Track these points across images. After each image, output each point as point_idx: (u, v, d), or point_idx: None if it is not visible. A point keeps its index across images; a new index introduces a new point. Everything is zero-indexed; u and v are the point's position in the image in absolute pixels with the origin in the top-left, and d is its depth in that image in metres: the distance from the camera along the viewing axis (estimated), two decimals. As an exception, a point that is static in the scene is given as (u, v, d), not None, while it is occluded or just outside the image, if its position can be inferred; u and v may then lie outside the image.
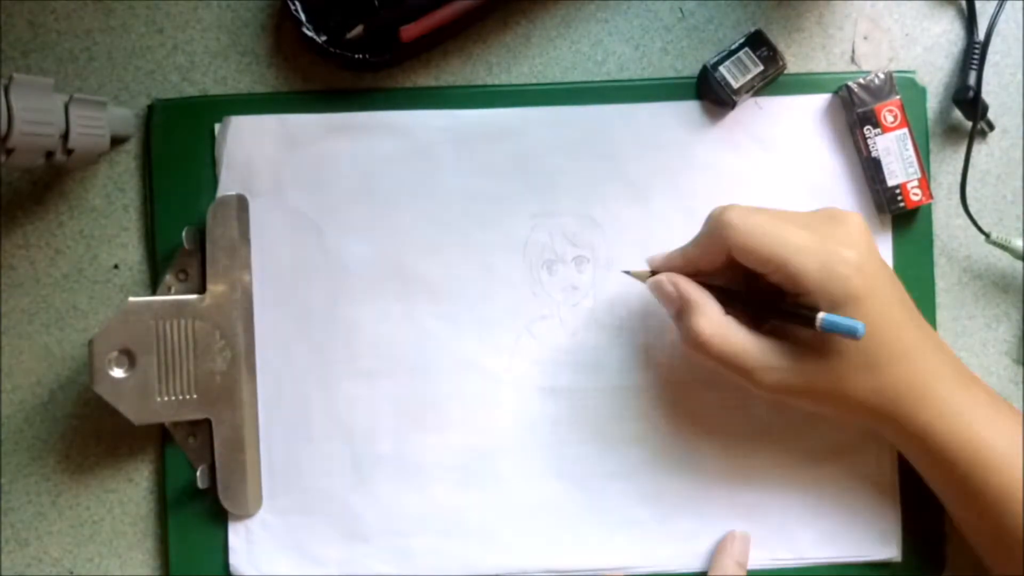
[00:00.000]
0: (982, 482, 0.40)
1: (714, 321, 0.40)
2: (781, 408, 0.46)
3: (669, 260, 0.43)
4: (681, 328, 0.41)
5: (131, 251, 0.47)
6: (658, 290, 0.42)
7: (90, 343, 0.43)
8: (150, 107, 0.46)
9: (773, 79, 0.46)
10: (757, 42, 0.45)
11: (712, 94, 0.46)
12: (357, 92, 0.47)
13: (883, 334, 0.39)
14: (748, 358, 0.40)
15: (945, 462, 0.41)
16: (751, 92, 0.45)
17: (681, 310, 0.41)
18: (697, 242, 0.42)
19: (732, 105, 0.46)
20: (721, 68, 0.45)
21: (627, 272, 0.45)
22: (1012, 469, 0.39)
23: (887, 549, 0.46)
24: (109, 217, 0.47)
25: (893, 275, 0.41)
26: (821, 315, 0.38)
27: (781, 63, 0.45)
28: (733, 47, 0.45)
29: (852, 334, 0.37)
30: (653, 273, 0.43)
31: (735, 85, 0.45)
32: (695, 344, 0.40)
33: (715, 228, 0.40)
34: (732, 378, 0.41)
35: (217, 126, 0.46)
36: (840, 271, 0.38)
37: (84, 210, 0.47)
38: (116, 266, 0.47)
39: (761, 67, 0.45)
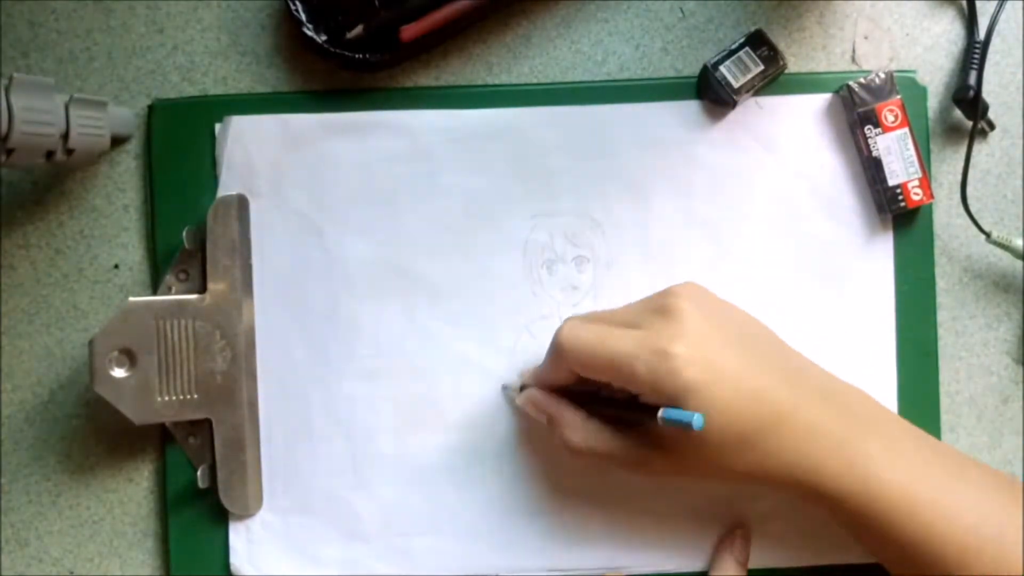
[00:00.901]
0: (899, 532, 0.38)
1: (579, 429, 0.41)
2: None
3: (536, 375, 0.44)
4: (555, 440, 0.42)
5: (131, 251, 0.47)
6: (527, 408, 0.43)
7: (90, 343, 0.43)
8: (150, 107, 0.46)
9: (774, 79, 0.46)
10: (758, 42, 0.45)
11: (712, 94, 0.46)
12: (357, 92, 0.47)
13: (743, 410, 0.37)
14: (622, 455, 0.40)
15: (857, 523, 0.39)
16: (752, 92, 0.45)
17: (549, 423, 0.42)
18: (546, 362, 0.42)
19: (733, 105, 0.46)
20: (722, 68, 0.45)
21: (504, 388, 0.46)
22: (927, 512, 0.38)
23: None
24: (109, 217, 0.47)
25: (746, 337, 0.40)
26: (661, 412, 0.37)
27: (782, 63, 0.45)
28: (733, 47, 0.45)
29: (688, 425, 0.36)
30: (523, 388, 0.44)
31: (736, 85, 0.45)
32: (570, 453, 0.41)
33: (554, 344, 0.41)
34: (611, 470, 0.41)
35: (217, 126, 0.46)
36: (667, 368, 0.37)
37: (84, 210, 0.47)
38: (116, 266, 0.47)
39: (762, 67, 0.45)
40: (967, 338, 0.48)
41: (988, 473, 0.40)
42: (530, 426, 0.46)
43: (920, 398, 0.46)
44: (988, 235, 0.46)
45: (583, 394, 0.42)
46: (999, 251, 0.47)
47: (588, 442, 0.41)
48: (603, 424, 0.41)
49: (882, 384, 0.46)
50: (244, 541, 0.46)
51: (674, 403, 0.37)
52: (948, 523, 0.38)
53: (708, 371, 0.37)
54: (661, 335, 0.38)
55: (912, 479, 0.38)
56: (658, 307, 0.40)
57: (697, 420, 0.36)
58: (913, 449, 0.40)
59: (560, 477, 0.46)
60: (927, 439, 0.41)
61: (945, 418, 0.47)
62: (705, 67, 0.45)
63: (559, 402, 0.42)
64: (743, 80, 0.45)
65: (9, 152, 0.39)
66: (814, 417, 0.39)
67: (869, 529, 0.39)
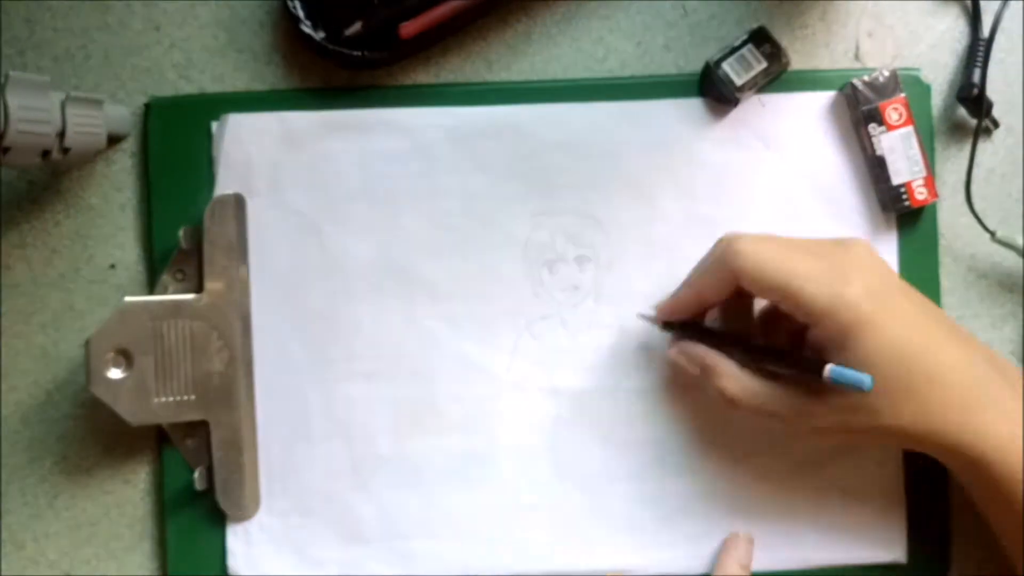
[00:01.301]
0: None
1: (735, 379, 0.41)
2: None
3: (676, 301, 0.43)
4: (710, 392, 0.42)
5: (128, 251, 0.46)
6: (677, 363, 0.43)
7: (87, 343, 0.43)
8: (147, 106, 0.46)
9: (776, 76, 0.45)
10: (760, 39, 0.45)
11: (715, 91, 0.46)
12: (356, 90, 0.46)
13: (908, 358, 0.38)
14: (778, 406, 0.40)
15: (999, 491, 0.38)
16: (754, 89, 0.45)
17: (703, 376, 0.42)
18: (703, 271, 0.42)
19: (735, 102, 0.45)
20: (724, 65, 0.44)
21: (642, 316, 0.45)
22: None
23: (893, 551, 0.46)
24: (106, 216, 0.46)
25: (915, 295, 0.40)
26: (828, 368, 0.37)
27: (784, 60, 0.45)
28: (736, 44, 0.45)
29: (859, 387, 0.37)
30: (665, 324, 0.44)
31: (738, 82, 0.44)
32: (726, 404, 0.41)
33: (723, 257, 0.40)
34: (771, 425, 0.41)
35: (214, 124, 0.46)
36: (849, 298, 0.37)
37: (81, 209, 0.46)
38: (113, 266, 0.47)
39: (764, 64, 0.45)
40: (972, 338, 0.47)
41: None
42: (531, 427, 0.46)
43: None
44: (993, 234, 0.46)
45: (731, 346, 0.41)
46: (1004, 250, 0.46)
47: (747, 392, 0.40)
48: (758, 374, 0.40)
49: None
50: (242, 543, 0.46)
51: (846, 336, 0.37)
52: None
53: (885, 310, 0.38)
54: (843, 265, 0.39)
55: None
56: (837, 242, 0.40)
57: (867, 382, 0.36)
58: None
59: (561, 478, 0.46)
60: None
61: (949, 419, 0.47)
62: (707, 64, 0.45)
63: (714, 352, 0.41)
64: (746, 78, 0.44)
65: (5, 151, 0.39)
66: (981, 380, 0.39)
67: (1008, 507, 0.38)
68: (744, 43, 0.45)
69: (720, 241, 0.41)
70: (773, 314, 0.43)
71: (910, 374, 0.38)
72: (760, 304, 0.45)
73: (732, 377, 0.41)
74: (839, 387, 0.37)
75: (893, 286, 0.39)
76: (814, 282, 0.38)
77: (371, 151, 0.46)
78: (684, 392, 0.46)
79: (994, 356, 0.41)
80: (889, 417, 0.38)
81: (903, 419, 0.38)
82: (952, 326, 0.41)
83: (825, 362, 0.37)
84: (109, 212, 0.47)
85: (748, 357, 0.41)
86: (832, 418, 0.39)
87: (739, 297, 0.42)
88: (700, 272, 0.42)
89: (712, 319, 0.45)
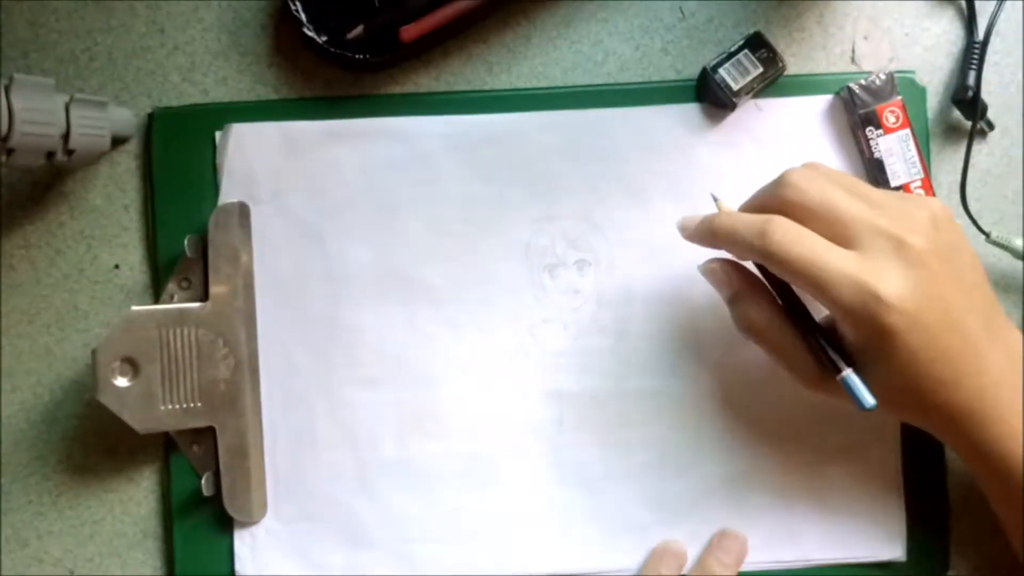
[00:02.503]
0: None
1: (766, 312, 0.40)
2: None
3: (703, 221, 0.41)
4: (735, 313, 0.41)
5: (132, 251, 0.47)
6: (712, 276, 0.42)
7: (93, 352, 0.43)
8: (151, 115, 0.46)
9: (773, 80, 0.46)
10: (756, 44, 0.45)
11: (712, 96, 0.46)
12: (358, 98, 0.47)
13: (927, 367, 0.37)
14: (795, 356, 0.39)
15: (1011, 486, 0.38)
16: (751, 94, 0.45)
17: (734, 297, 0.41)
18: (741, 239, 0.39)
19: (732, 107, 0.46)
20: (721, 70, 0.45)
21: (713, 196, 0.43)
22: None
23: (892, 549, 0.46)
24: (110, 217, 0.47)
25: (966, 278, 0.38)
26: (845, 372, 0.37)
27: (781, 65, 0.45)
28: (732, 49, 0.45)
29: (861, 405, 0.37)
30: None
31: (735, 87, 0.45)
32: (748, 330, 0.40)
33: (759, 243, 0.38)
34: (779, 369, 0.41)
35: (218, 134, 0.46)
36: (873, 308, 0.36)
37: (84, 210, 0.47)
38: (117, 266, 0.47)
39: (761, 69, 0.45)
40: (967, 338, 0.48)
41: None
42: (533, 430, 0.46)
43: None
44: (988, 235, 0.46)
45: (768, 286, 0.41)
46: (999, 251, 0.47)
47: (774, 327, 0.39)
48: (788, 321, 0.39)
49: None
50: (249, 548, 0.46)
51: (866, 343, 0.37)
52: None
53: (913, 318, 0.36)
54: (878, 268, 0.36)
55: None
56: (905, 201, 0.38)
57: (869, 403, 0.37)
58: None
59: (562, 480, 0.46)
60: None
61: (945, 418, 0.47)
62: (704, 69, 0.45)
63: (751, 278, 0.40)
64: (742, 83, 0.45)
65: (9, 152, 0.39)
66: (998, 376, 0.38)
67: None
68: (740, 48, 0.45)
69: (783, 173, 0.39)
70: None
71: (929, 382, 0.37)
72: None
73: (764, 309, 0.40)
74: (863, 346, 0.37)
75: (934, 281, 0.37)
76: (842, 286, 0.36)
77: (372, 159, 0.46)
78: (684, 394, 0.46)
79: (1018, 346, 0.40)
80: (899, 412, 0.39)
81: (915, 416, 0.39)
82: (996, 318, 0.39)
83: (840, 368, 0.38)
84: (113, 213, 0.47)
85: (785, 308, 0.40)
86: (841, 392, 0.38)
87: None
88: (746, 203, 0.41)
89: None
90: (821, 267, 0.36)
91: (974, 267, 0.39)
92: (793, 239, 0.37)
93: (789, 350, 0.40)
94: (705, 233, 0.41)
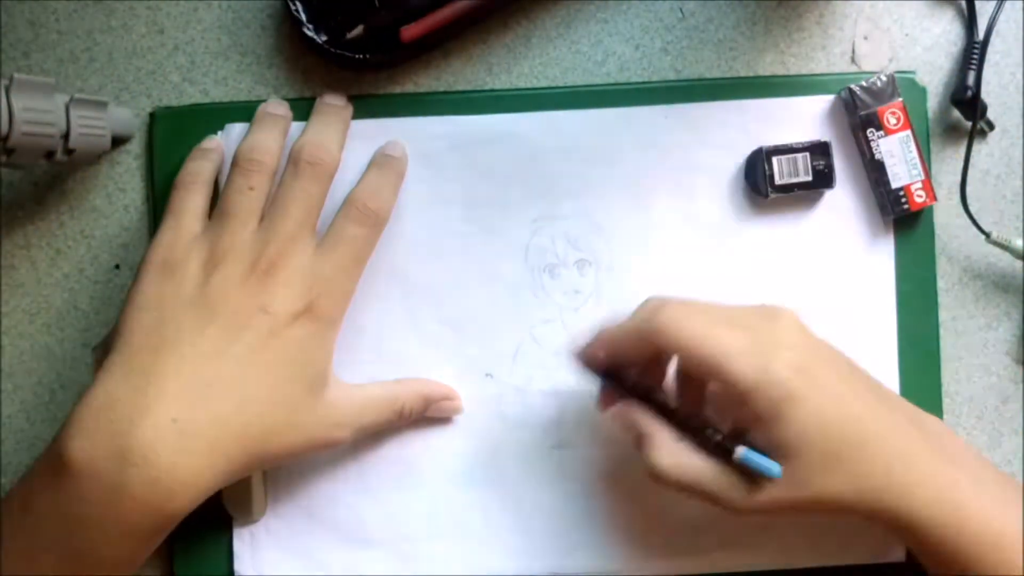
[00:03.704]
0: (983, 564, 0.37)
1: (667, 451, 0.39)
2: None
3: (599, 341, 0.41)
4: (641, 460, 0.40)
5: (132, 251, 0.47)
6: (614, 423, 0.42)
7: (93, 351, 0.43)
8: (152, 115, 0.46)
9: (813, 194, 0.45)
10: (820, 152, 0.45)
11: (751, 176, 0.46)
12: (358, 98, 0.46)
13: (835, 428, 0.37)
14: (708, 484, 0.38)
15: (941, 553, 0.38)
16: (785, 193, 0.45)
17: (636, 441, 0.40)
18: (625, 332, 0.40)
19: (765, 196, 0.45)
20: (775, 158, 0.44)
21: (572, 354, 0.42)
22: (1012, 546, 0.37)
23: (892, 551, 0.46)
24: (110, 217, 0.47)
25: (842, 363, 0.40)
26: (739, 451, 0.37)
27: (829, 185, 0.45)
28: (796, 145, 0.45)
29: (767, 474, 0.37)
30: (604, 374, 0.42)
31: (777, 181, 0.44)
32: (652, 477, 0.39)
33: (646, 326, 0.39)
34: (703, 505, 0.39)
35: (218, 134, 0.46)
36: (776, 373, 0.37)
37: (85, 210, 0.47)
38: (117, 266, 0.47)
39: (810, 179, 0.45)
40: (967, 338, 0.48)
41: None
42: (534, 429, 0.46)
43: (922, 398, 0.46)
44: (988, 235, 0.46)
45: (673, 413, 0.40)
46: (999, 251, 0.47)
47: (675, 465, 0.39)
48: (694, 448, 0.39)
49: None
50: (248, 547, 0.46)
51: (774, 411, 0.37)
52: None
53: (811, 384, 0.37)
54: (769, 337, 0.38)
55: (997, 513, 0.38)
56: (764, 313, 0.40)
57: (776, 470, 0.37)
58: (994, 482, 0.39)
59: (563, 480, 0.46)
60: (1003, 474, 0.41)
61: (945, 418, 0.47)
62: (760, 149, 0.45)
63: (652, 417, 0.40)
64: (786, 180, 0.44)
65: (9, 152, 0.39)
66: (905, 443, 0.38)
67: (953, 559, 0.38)
68: (804, 148, 0.45)
69: (646, 304, 0.40)
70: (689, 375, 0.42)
71: (840, 444, 0.37)
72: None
73: (663, 448, 0.39)
74: (775, 452, 0.37)
75: (820, 357, 0.39)
76: (740, 358, 0.37)
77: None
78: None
79: (917, 413, 0.41)
80: (821, 487, 0.38)
81: (835, 488, 0.38)
82: (878, 391, 0.40)
83: (732, 448, 0.37)
84: (113, 213, 0.47)
85: (678, 427, 0.40)
86: (763, 495, 0.38)
87: (655, 361, 0.41)
88: (621, 330, 0.40)
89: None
90: (716, 340, 0.38)
91: (836, 350, 0.41)
92: (683, 316, 0.38)
93: (699, 482, 0.39)
94: (599, 343, 0.41)
